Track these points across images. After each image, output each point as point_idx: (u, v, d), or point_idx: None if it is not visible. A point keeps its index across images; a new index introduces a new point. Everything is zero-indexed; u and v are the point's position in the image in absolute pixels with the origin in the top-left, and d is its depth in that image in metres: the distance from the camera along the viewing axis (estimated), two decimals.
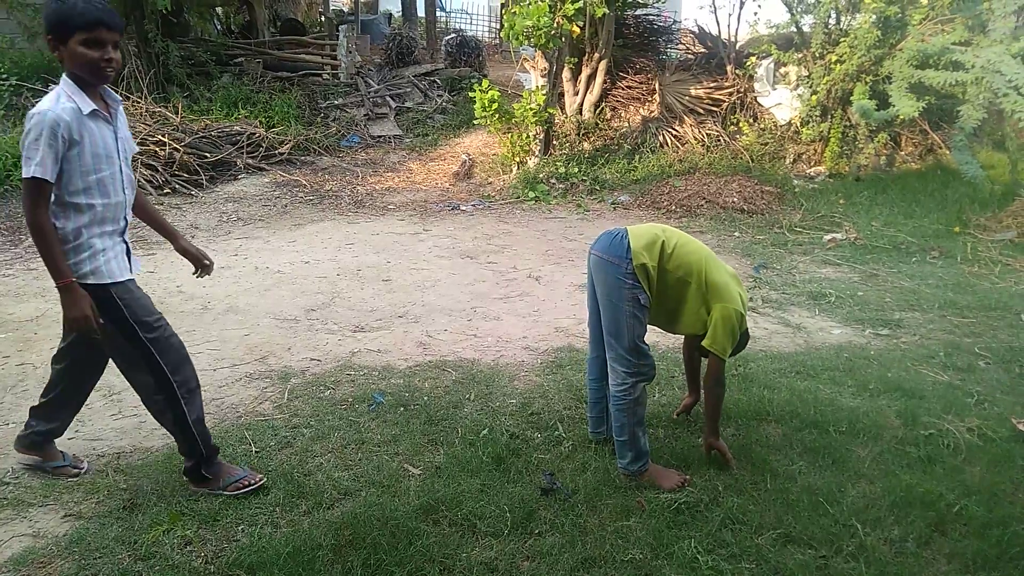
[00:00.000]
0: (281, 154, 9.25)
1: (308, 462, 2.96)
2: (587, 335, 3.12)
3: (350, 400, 3.53)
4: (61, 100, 2.32)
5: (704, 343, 2.83)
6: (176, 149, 8.18)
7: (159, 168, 7.97)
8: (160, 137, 8.22)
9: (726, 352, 2.82)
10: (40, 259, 2.45)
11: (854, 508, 2.71)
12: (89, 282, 2.42)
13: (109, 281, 2.47)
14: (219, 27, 14.90)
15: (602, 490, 2.79)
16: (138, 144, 8.09)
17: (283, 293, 5.16)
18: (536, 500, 2.71)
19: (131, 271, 2.61)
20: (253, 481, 2.72)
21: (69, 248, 2.40)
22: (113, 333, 2.51)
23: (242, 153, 8.87)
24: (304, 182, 8.59)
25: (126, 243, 2.64)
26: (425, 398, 3.55)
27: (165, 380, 2.59)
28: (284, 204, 7.83)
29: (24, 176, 2.27)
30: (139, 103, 9.11)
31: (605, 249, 2.79)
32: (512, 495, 2.72)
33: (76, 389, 2.86)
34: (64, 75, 2.37)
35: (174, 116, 8.90)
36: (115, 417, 3.38)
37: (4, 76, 9.09)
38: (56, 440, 2.92)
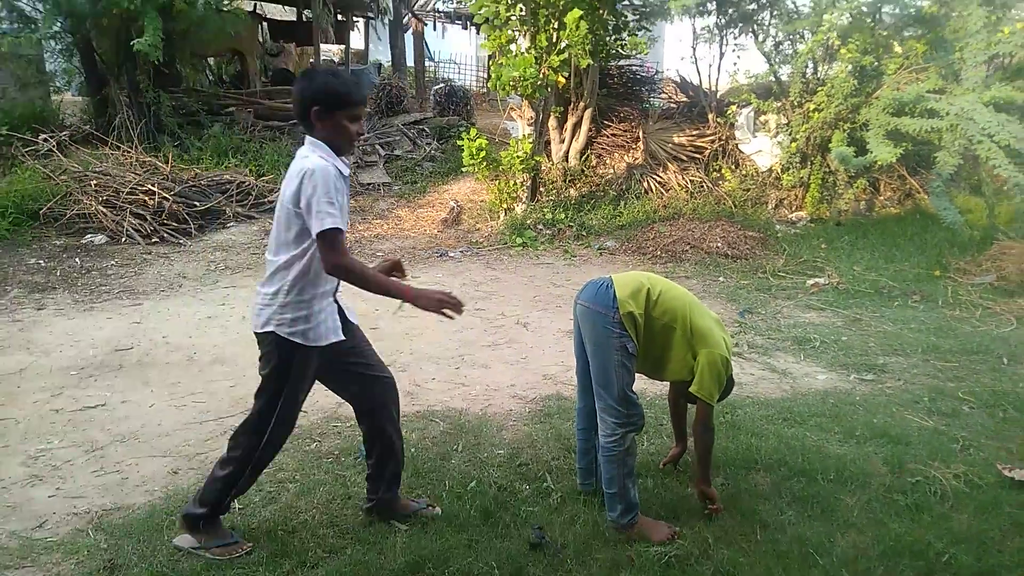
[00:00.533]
0: (271, 202, 9.30)
1: (293, 519, 2.92)
2: (575, 382, 3.13)
3: (336, 453, 3.51)
4: (323, 159, 2.44)
5: (691, 389, 2.84)
6: (165, 198, 8.21)
7: (148, 217, 7.99)
8: (149, 186, 8.27)
9: (713, 397, 2.84)
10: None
11: (844, 559, 2.70)
12: (296, 340, 2.51)
13: (313, 345, 2.55)
14: (211, 77, 15.10)
15: (592, 544, 2.77)
16: (127, 193, 8.16)
17: None
18: (525, 555, 2.68)
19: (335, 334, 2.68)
20: (240, 551, 2.68)
21: (299, 303, 2.49)
22: (266, 381, 2.60)
23: (231, 201, 8.91)
24: None
25: (337, 303, 2.73)
26: (412, 450, 3.52)
27: (256, 447, 2.62)
28: None
29: (325, 228, 2.35)
30: (129, 152, 9.17)
31: (591, 299, 2.82)
32: (500, 550, 2.70)
33: (380, 435, 2.87)
34: (312, 139, 2.50)
35: (164, 165, 8.95)
36: (97, 474, 3.34)
37: None
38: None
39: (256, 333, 2.60)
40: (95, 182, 8.28)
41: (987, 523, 2.96)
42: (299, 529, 2.84)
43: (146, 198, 8.16)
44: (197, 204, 8.57)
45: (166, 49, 9.38)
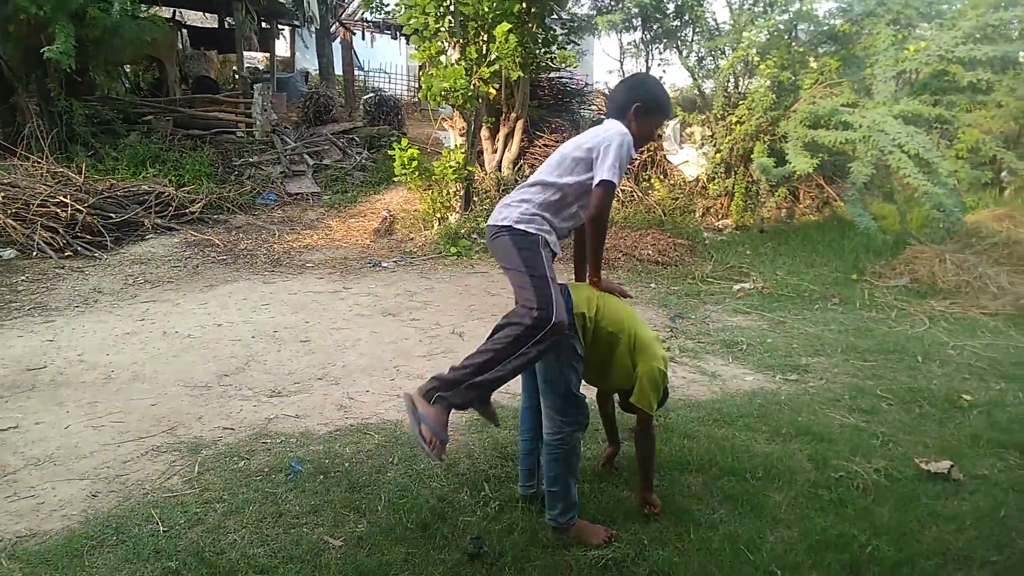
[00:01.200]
0: (192, 213, 9.00)
1: (221, 539, 2.81)
2: (512, 390, 3.12)
3: (266, 470, 3.39)
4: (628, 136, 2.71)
5: (632, 399, 2.88)
6: (79, 210, 7.84)
7: (60, 230, 7.61)
8: (61, 198, 7.87)
9: (652, 408, 2.88)
10: None
11: (773, 554, 2.77)
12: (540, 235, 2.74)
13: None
14: (127, 85, 14.54)
15: (530, 551, 2.76)
16: (38, 206, 7.75)
17: (193, 358, 4.95)
18: (464, 567, 2.65)
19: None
20: (440, 456, 2.59)
21: (542, 219, 2.73)
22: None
23: (150, 213, 8.58)
24: (217, 241, 8.36)
25: None
26: (346, 464, 3.44)
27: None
28: (195, 265, 7.58)
29: (607, 178, 2.61)
30: (40, 163, 8.72)
31: None
32: (439, 562, 2.66)
33: None
34: (619, 123, 2.75)
35: (77, 176, 8.55)
36: (10, 500, 3.12)
37: None
38: None
39: (498, 226, 2.80)
40: (3, 194, 7.83)
41: (906, 514, 3.09)
42: (228, 550, 2.73)
43: (58, 210, 7.77)
44: (113, 216, 8.21)
45: (79, 56, 8.98)
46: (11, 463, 3.45)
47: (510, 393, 4.39)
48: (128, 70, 14.79)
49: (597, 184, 2.64)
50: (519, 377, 3.00)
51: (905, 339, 5.79)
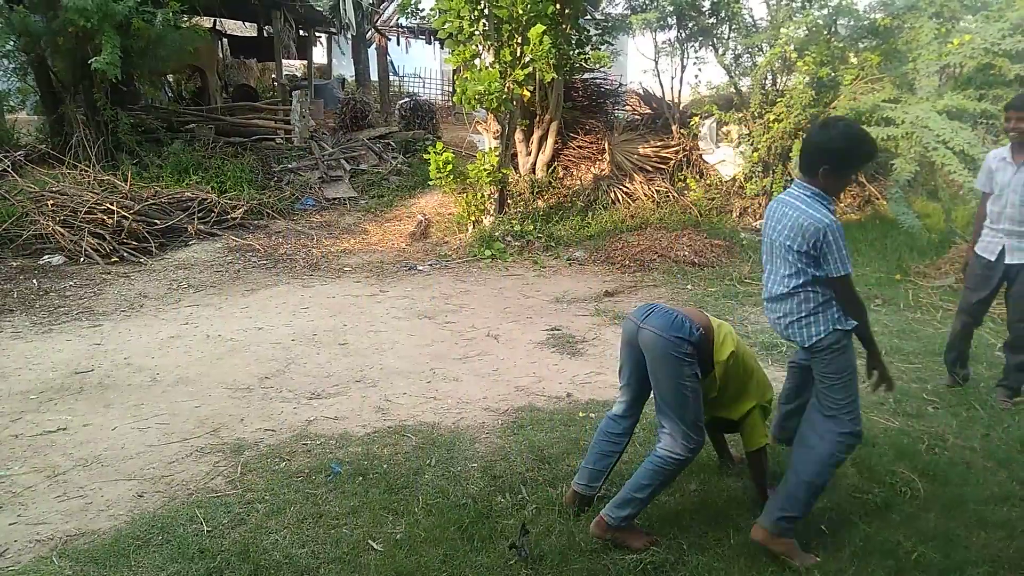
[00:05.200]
0: (234, 219, 9.18)
1: (264, 539, 2.86)
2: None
3: (307, 471, 3.44)
4: (827, 210, 2.77)
5: (746, 442, 3.09)
6: (125, 217, 8.05)
7: (107, 236, 7.82)
8: (108, 205, 8.10)
9: (766, 439, 3.11)
10: None
11: (816, 560, 2.72)
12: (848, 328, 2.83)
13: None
14: (170, 94, 14.90)
15: (568, 554, 2.76)
16: (85, 213, 7.98)
17: (236, 361, 5.05)
18: (502, 569, 2.65)
19: None
20: None
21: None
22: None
23: (193, 219, 8.77)
24: (257, 246, 8.51)
25: None
26: (384, 466, 3.48)
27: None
28: (237, 269, 7.73)
29: (845, 273, 2.72)
30: (87, 171, 8.98)
31: (665, 328, 2.83)
32: (477, 565, 2.67)
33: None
34: (810, 186, 2.80)
35: (123, 184, 8.78)
36: (59, 499, 3.23)
37: None
38: None
39: None
40: (51, 202, 8.08)
41: (953, 520, 3.01)
42: (270, 549, 2.78)
43: (105, 217, 7.99)
44: (158, 222, 8.41)
45: (124, 66, 9.22)
46: (60, 464, 3.56)
47: (544, 396, 4.39)
48: (171, 79, 15.16)
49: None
50: (620, 383, 3.13)
51: None
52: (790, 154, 8.90)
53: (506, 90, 8.40)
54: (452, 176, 8.85)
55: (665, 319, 2.86)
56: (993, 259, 4.29)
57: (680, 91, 11.30)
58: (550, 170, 10.47)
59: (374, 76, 18.31)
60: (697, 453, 2.83)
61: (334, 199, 10.84)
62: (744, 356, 3.05)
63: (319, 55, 20.66)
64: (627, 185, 10.40)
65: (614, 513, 2.83)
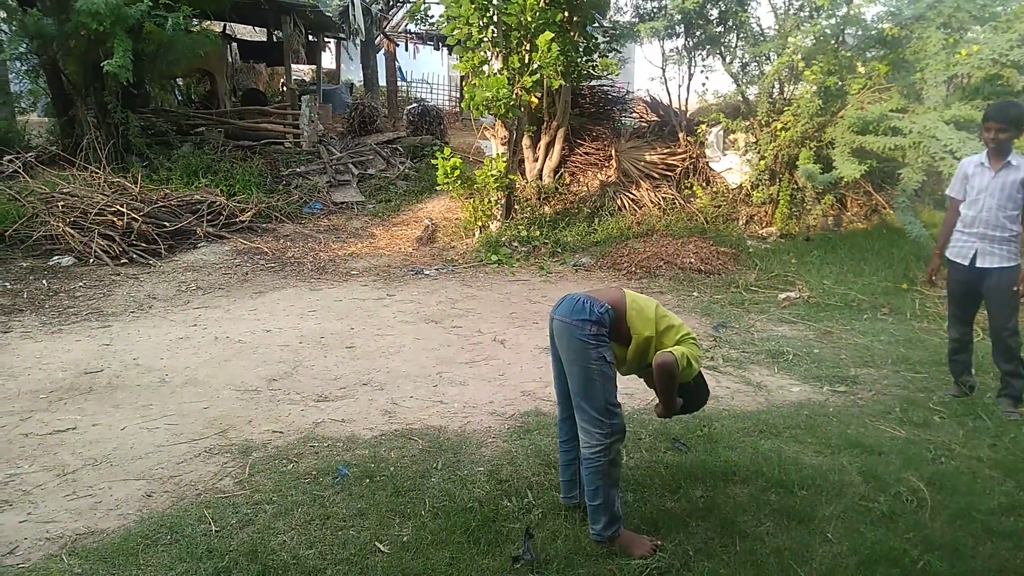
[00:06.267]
0: (242, 222, 9.23)
1: (271, 540, 2.88)
2: (551, 397, 3.14)
3: (314, 473, 3.46)
4: None
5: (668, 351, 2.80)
6: (134, 219, 8.10)
7: (116, 238, 7.88)
8: (118, 207, 8.15)
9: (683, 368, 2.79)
10: None
11: (822, 568, 2.72)
12: None
13: None
14: (180, 97, 14.98)
15: (574, 559, 2.76)
16: (95, 214, 8.04)
17: (244, 363, 5.08)
18: (507, 573, 2.66)
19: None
20: None
21: None
22: None
23: (202, 222, 8.82)
24: (266, 249, 8.55)
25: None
26: (391, 469, 3.49)
27: None
28: (245, 272, 7.77)
29: None
30: (97, 173, 9.04)
31: (568, 313, 2.83)
32: (483, 568, 2.68)
33: None
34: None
35: (133, 186, 8.85)
36: (69, 498, 3.25)
37: None
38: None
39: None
40: (62, 203, 8.15)
41: (960, 530, 3.01)
42: (278, 550, 2.80)
43: (114, 219, 8.05)
44: (167, 224, 8.47)
45: (135, 70, 9.30)
46: (70, 463, 3.59)
47: (551, 401, 4.40)
48: (181, 83, 15.24)
49: None
50: (553, 387, 3.01)
51: None
52: (796, 162, 8.90)
53: (514, 96, 8.44)
54: (459, 181, 8.89)
55: (568, 304, 2.86)
56: (967, 263, 4.36)
57: (687, 99, 11.33)
58: (557, 176, 10.51)
59: (382, 81, 18.38)
60: (617, 435, 2.77)
61: (342, 203, 10.88)
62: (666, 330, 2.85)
63: (328, 60, 20.74)
64: (633, 192, 10.43)
65: (594, 529, 2.84)
